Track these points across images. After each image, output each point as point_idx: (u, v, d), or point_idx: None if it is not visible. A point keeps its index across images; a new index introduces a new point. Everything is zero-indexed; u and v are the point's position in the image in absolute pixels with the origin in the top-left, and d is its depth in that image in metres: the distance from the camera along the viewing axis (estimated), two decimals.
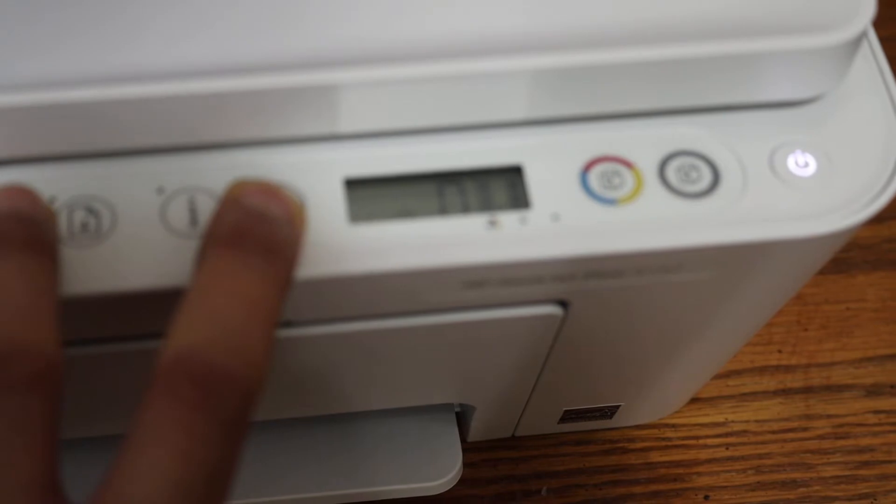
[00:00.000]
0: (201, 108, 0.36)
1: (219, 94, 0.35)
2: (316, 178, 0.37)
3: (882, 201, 0.38)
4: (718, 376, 0.62)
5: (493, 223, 0.37)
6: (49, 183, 0.37)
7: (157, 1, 0.36)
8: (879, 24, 0.74)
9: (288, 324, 0.40)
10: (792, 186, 0.38)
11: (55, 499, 0.29)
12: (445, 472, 0.55)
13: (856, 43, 0.37)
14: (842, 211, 0.38)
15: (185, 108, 0.36)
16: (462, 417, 0.57)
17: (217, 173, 0.37)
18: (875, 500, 0.59)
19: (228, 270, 0.32)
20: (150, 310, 0.37)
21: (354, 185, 0.37)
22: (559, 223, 0.37)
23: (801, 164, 0.38)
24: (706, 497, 0.59)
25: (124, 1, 0.36)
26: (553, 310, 0.41)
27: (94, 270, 0.36)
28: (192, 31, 0.36)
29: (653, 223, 0.37)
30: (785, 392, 0.62)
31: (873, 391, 0.63)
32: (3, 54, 0.35)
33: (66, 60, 0.35)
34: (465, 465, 0.57)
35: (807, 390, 0.62)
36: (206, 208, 0.36)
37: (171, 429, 0.29)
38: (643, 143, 0.38)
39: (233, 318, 0.31)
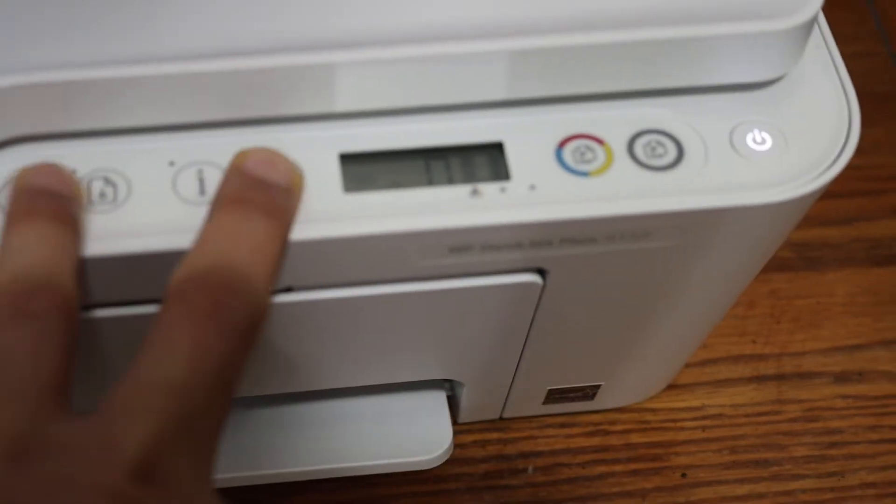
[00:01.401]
0: (210, 87, 0.39)
1: (226, 75, 0.39)
2: (314, 153, 0.41)
3: (830, 175, 0.41)
4: (695, 364, 0.66)
5: (475, 192, 0.40)
6: (70, 157, 0.40)
7: None
8: (852, 39, 0.78)
9: (286, 290, 0.43)
10: (750, 161, 0.41)
11: (65, 402, 0.33)
12: (437, 447, 0.57)
13: (808, 27, 0.41)
14: (794, 182, 0.41)
15: (195, 88, 0.39)
16: (452, 400, 0.60)
17: (224, 148, 0.40)
18: (842, 477, 0.62)
19: (232, 223, 0.36)
20: (161, 272, 0.40)
21: (349, 159, 0.41)
22: (536, 192, 0.40)
23: (759, 140, 0.42)
24: (683, 475, 0.62)
25: None
26: (532, 278, 0.44)
27: (111, 234, 0.39)
28: (203, 17, 0.40)
29: (622, 192, 0.40)
30: (758, 379, 0.66)
31: (841, 378, 0.66)
32: (30, 39, 0.39)
33: (83, 44, 0.39)
34: (455, 445, 0.59)
35: (779, 377, 0.66)
36: (214, 179, 0.40)
37: (186, 328, 0.33)
38: (614, 122, 0.42)
39: (238, 253, 0.35)
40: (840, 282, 0.70)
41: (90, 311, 0.42)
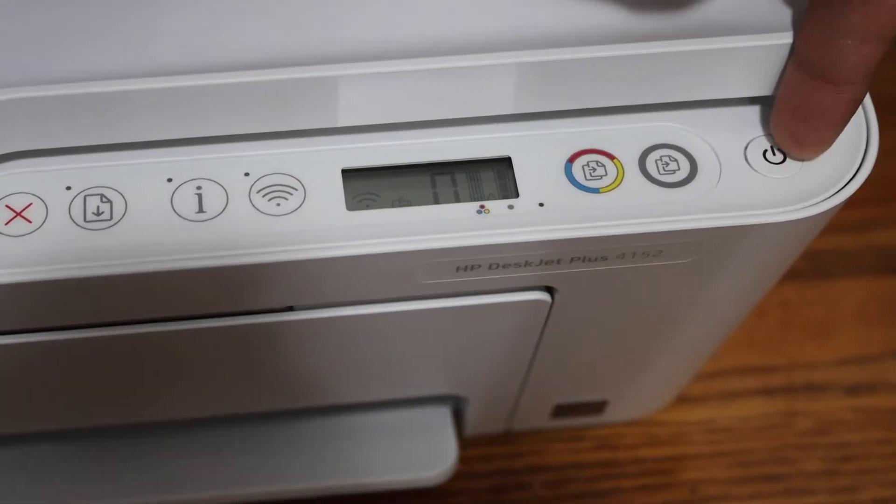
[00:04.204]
0: (209, 102, 0.38)
1: (226, 89, 0.38)
2: (315, 168, 0.40)
3: (849, 192, 0.40)
4: (704, 376, 0.65)
5: (482, 210, 0.39)
6: (65, 173, 0.39)
7: (167, 4, 0.39)
8: None
9: (287, 309, 0.42)
10: (765, 177, 0.40)
11: None
12: (441, 463, 0.56)
13: None
14: (811, 199, 0.40)
15: (194, 102, 0.38)
16: (457, 414, 0.59)
17: (223, 164, 0.40)
18: (855, 492, 0.61)
19: None
20: (157, 292, 0.39)
21: (351, 175, 0.40)
22: (545, 210, 0.39)
23: (774, 156, 0.41)
24: (692, 490, 0.61)
25: (136, 3, 0.39)
26: (541, 296, 0.43)
27: (107, 254, 0.38)
28: (203, 31, 0.39)
29: (633, 210, 0.39)
30: (768, 391, 0.65)
31: (853, 390, 0.65)
32: (25, 53, 0.38)
33: (79, 58, 0.38)
34: (461, 460, 0.59)
35: (789, 389, 0.65)
36: (213, 196, 0.39)
37: None
38: (625, 136, 0.41)
39: None
40: (851, 291, 0.69)
41: (89, 330, 0.41)
